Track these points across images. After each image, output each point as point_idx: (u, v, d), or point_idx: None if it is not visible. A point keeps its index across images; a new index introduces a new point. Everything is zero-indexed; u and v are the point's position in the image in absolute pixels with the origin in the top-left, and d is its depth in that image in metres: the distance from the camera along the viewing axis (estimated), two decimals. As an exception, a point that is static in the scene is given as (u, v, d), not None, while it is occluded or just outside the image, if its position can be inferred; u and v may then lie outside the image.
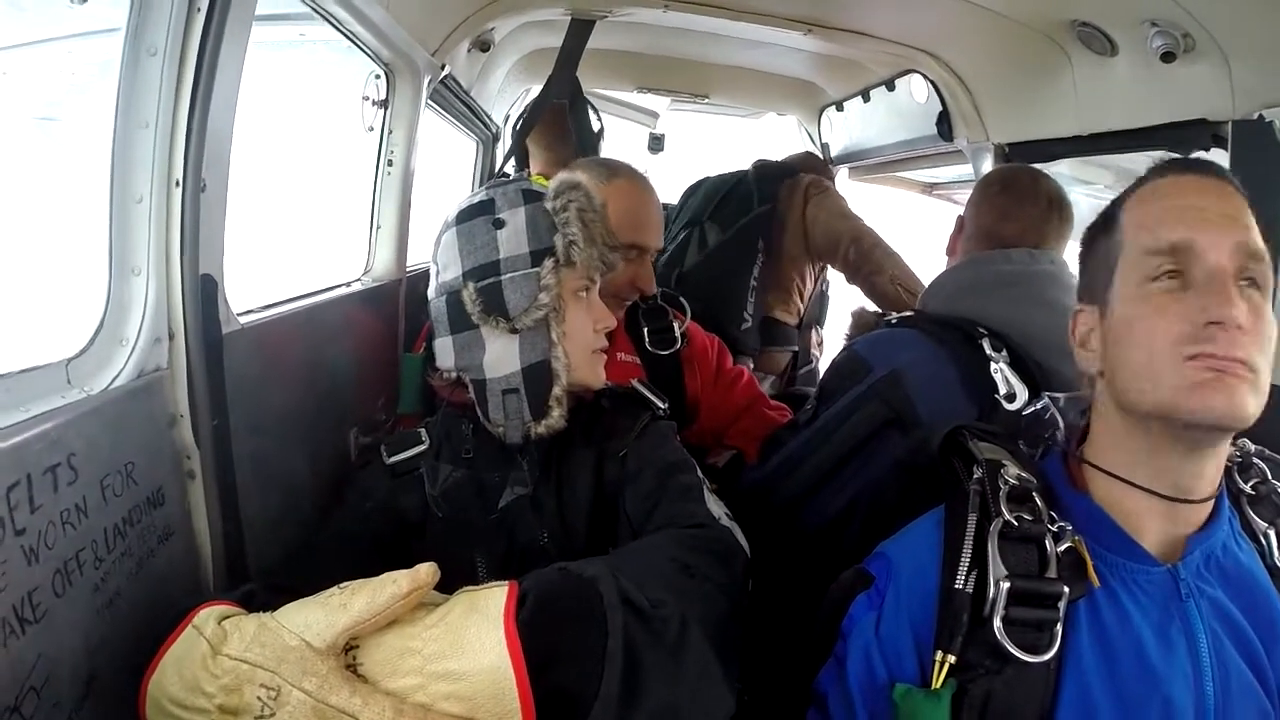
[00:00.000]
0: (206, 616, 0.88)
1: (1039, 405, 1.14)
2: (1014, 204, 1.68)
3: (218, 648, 0.84)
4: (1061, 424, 1.09)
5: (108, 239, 1.07)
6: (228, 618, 0.88)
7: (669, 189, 4.56)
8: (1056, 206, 1.67)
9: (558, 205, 1.30)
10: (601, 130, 2.96)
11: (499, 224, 1.29)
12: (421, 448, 1.37)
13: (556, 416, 1.29)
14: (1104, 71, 1.88)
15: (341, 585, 0.88)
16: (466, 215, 1.31)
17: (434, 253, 1.35)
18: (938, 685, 0.89)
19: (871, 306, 1.75)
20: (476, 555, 1.30)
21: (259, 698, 0.81)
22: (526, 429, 1.29)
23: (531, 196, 1.31)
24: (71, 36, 1.56)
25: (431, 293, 1.34)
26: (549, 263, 1.27)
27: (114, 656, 0.96)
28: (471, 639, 0.84)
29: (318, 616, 0.84)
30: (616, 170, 1.90)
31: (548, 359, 1.28)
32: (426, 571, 0.87)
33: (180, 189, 1.09)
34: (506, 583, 0.89)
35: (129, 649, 0.96)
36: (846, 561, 1.10)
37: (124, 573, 0.99)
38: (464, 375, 1.31)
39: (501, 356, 1.28)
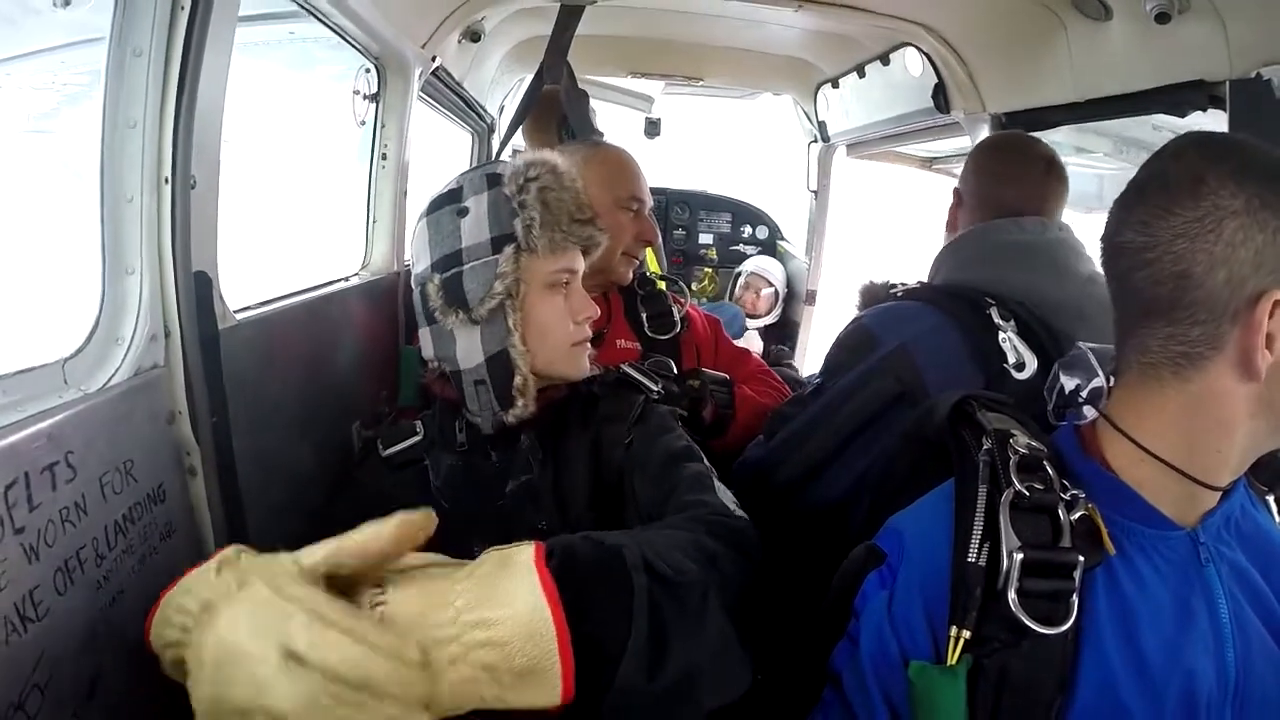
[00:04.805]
0: (227, 551, 0.86)
1: (1074, 353, 1.09)
2: (1012, 167, 1.65)
3: (221, 567, 0.82)
4: (1101, 376, 1.05)
5: (100, 239, 1.07)
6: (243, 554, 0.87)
7: (668, 174, 4.54)
8: (1055, 169, 1.65)
9: (517, 187, 1.28)
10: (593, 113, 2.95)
11: (463, 212, 1.28)
12: (416, 439, 1.37)
13: (522, 405, 1.28)
14: (1099, 36, 1.86)
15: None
16: (435, 205, 1.30)
17: (412, 244, 1.35)
18: (953, 661, 0.87)
19: (880, 279, 1.72)
20: (475, 545, 1.29)
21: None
22: (498, 419, 1.29)
23: (495, 180, 1.29)
24: (64, 47, 1.56)
25: (413, 284, 1.34)
26: (509, 249, 1.25)
27: (119, 654, 0.96)
28: (505, 587, 0.82)
29: (311, 549, 0.82)
30: (598, 143, 1.97)
31: (506, 348, 1.27)
32: (422, 515, 0.84)
33: (170, 186, 1.09)
34: (531, 542, 0.88)
35: (134, 646, 0.96)
36: (856, 537, 1.09)
37: (126, 570, 0.99)
38: (444, 367, 1.32)
39: (469, 348, 1.28)
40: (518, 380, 1.27)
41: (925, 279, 1.69)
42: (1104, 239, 0.95)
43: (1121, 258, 0.91)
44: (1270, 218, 0.82)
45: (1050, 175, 1.64)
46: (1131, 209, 0.90)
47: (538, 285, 1.28)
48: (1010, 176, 1.64)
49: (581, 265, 1.34)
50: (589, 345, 1.36)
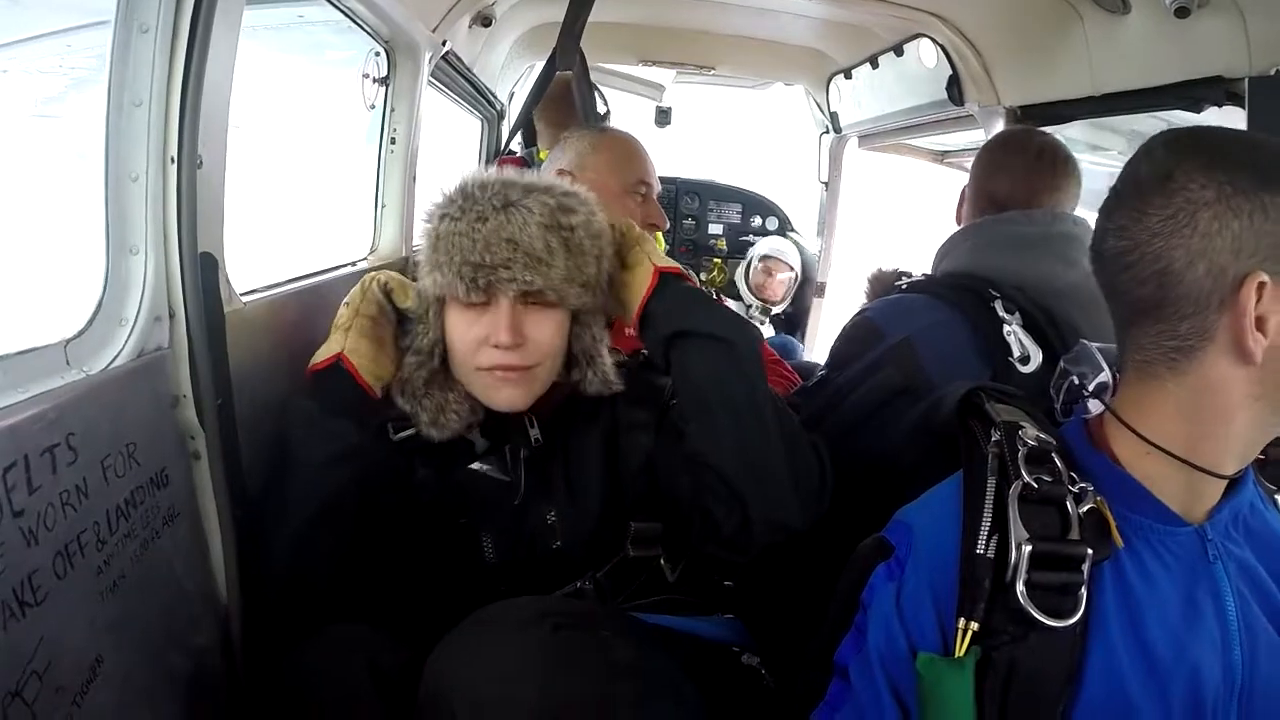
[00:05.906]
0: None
1: (1078, 349, 1.08)
2: (1000, 159, 1.68)
3: None
4: (1107, 371, 1.04)
5: (104, 218, 1.06)
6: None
7: (678, 163, 4.49)
8: (1049, 157, 1.65)
9: (427, 213, 1.29)
10: (608, 114, 2.93)
11: None
12: None
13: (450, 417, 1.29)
14: (1116, 29, 1.84)
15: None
16: None
17: None
18: (961, 654, 0.87)
19: (889, 268, 1.73)
20: (482, 532, 1.29)
21: None
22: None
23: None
24: (70, 30, 1.56)
25: None
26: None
27: (121, 639, 0.95)
28: None
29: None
30: (606, 128, 2.01)
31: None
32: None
33: (176, 166, 1.07)
34: None
35: (137, 631, 0.96)
36: (860, 531, 1.08)
37: (128, 554, 0.98)
38: None
39: None
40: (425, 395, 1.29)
41: (929, 270, 1.69)
42: (1091, 249, 0.95)
43: (1108, 264, 0.92)
44: (1244, 202, 0.82)
45: (1041, 162, 1.64)
46: (1111, 215, 0.91)
47: (450, 300, 1.26)
48: (998, 168, 1.67)
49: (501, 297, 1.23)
50: (514, 377, 1.24)
